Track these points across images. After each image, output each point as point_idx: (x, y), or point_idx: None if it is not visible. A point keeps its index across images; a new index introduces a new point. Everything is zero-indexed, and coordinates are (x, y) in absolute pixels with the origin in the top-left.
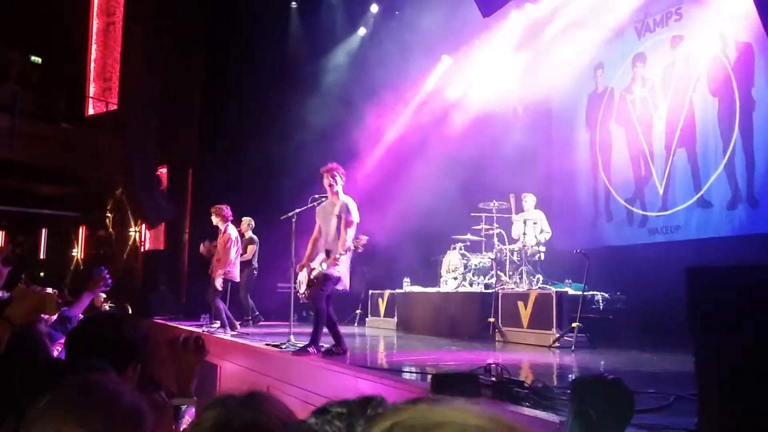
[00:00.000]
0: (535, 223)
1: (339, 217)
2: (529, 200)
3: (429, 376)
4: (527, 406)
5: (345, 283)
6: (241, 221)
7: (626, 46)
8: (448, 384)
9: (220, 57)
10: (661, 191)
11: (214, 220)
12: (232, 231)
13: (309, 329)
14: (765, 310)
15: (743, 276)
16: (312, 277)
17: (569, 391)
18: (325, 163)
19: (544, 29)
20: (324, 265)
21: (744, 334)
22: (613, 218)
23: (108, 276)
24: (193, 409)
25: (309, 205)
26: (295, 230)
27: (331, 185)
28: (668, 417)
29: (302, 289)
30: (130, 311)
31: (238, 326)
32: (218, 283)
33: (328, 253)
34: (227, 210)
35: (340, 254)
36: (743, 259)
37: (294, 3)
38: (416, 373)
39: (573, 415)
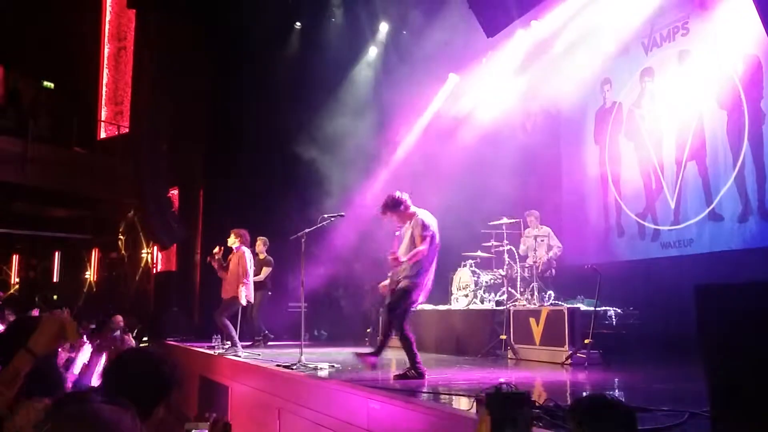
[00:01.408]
0: (542, 240)
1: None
2: (534, 217)
3: (477, 396)
4: (539, 426)
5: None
6: (256, 241)
7: (633, 61)
8: (502, 405)
9: (228, 78)
10: (672, 205)
11: (232, 240)
12: (247, 251)
13: (318, 349)
14: None
15: (753, 294)
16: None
17: (568, 415)
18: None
19: (550, 46)
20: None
21: (755, 353)
22: (624, 233)
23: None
24: None
25: (318, 225)
26: (305, 250)
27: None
28: None
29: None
30: (136, 331)
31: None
32: (243, 299)
33: None
34: (247, 234)
35: None
36: (755, 272)
37: (298, 24)
38: (428, 393)
39: None
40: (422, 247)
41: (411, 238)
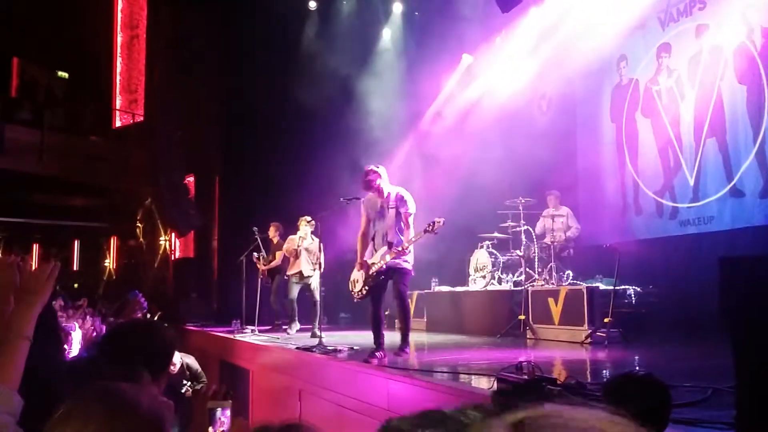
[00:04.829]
0: (561, 220)
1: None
2: (554, 197)
3: (493, 385)
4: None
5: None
6: (269, 227)
7: (650, 37)
8: (515, 396)
9: (242, 63)
10: (691, 182)
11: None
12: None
13: (338, 332)
14: None
15: None
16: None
17: (603, 395)
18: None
19: (564, 24)
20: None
21: None
22: (642, 211)
23: (143, 299)
24: (228, 411)
25: (334, 208)
26: (323, 233)
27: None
28: (706, 411)
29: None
30: (157, 317)
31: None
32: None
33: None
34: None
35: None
36: None
37: (313, 3)
38: (448, 372)
39: None
40: (412, 229)
41: (397, 216)
